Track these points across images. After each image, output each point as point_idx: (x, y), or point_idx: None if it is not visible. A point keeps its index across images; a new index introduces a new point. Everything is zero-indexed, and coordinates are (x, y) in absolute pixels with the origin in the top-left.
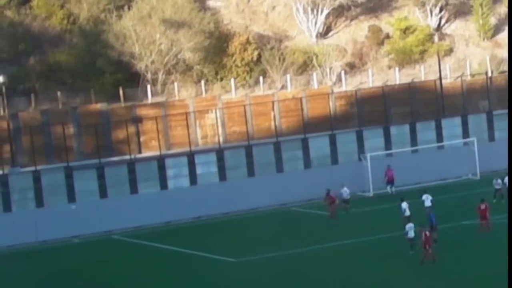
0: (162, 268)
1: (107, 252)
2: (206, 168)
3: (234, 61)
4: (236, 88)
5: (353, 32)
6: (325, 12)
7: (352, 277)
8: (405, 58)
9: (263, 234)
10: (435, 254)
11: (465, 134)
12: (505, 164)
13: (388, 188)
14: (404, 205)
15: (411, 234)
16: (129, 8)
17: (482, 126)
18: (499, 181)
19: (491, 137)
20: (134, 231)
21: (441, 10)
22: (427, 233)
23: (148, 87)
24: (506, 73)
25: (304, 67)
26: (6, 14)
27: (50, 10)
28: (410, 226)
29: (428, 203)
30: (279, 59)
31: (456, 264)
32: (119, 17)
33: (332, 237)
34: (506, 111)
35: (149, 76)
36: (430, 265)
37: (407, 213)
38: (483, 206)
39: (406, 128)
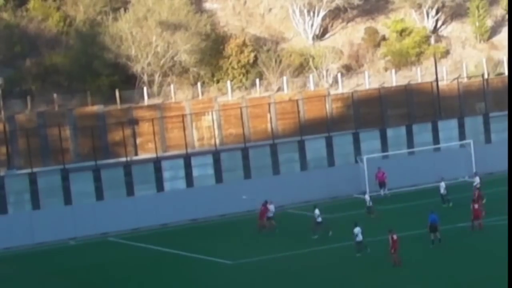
0: (159, 270)
1: (104, 254)
2: (203, 170)
3: (231, 63)
4: (233, 90)
5: (350, 34)
6: (322, 14)
7: (348, 279)
8: (401, 60)
9: (260, 236)
10: (400, 258)
11: (462, 136)
12: (501, 166)
13: (382, 191)
14: (317, 211)
15: (360, 237)
16: (125, 10)
17: (478, 128)
18: (443, 184)
19: (488, 139)
20: (131, 233)
21: (437, 12)
22: (394, 236)
23: (145, 89)
24: (503, 75)
25: (301, 69)
26: (2, 16)
27: (47, 12)
28: (358, 229)
29: (369, 203)
30: (276, 61)
31: (452, 266)
32: (115, 19)
33: (329, 239)
34: (503, 113)
35: (145, 78)
36: (427, 267)
37: (319, 219)
38: (476, 206)
39: (403, 130)
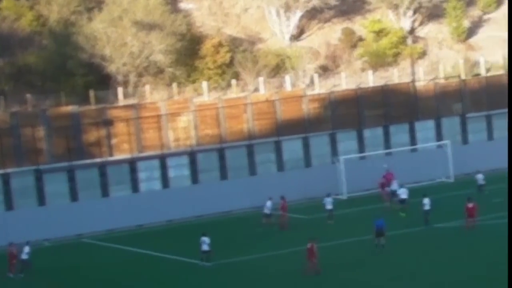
0: (134, 272)
1: (78, 255)
2: (179, 171)
3: (206, 63)
4: (209, 90)
5: (326, 35)
6: (298, 14)
7: (328, 280)
8: (378, 61)
9: (237, 237)
10: (319, 266)
11: (439, 137)
12: (478, 167)
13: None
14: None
15: (205, 247)
16: (99, 10)
17: (455, 129)
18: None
19: (465, 140)
20: (106, 234)
21: (414, 13)
22: (310, 246)
23: (119, 89)
24: (480, 76)
25: (277, 69)
26: None
27: (19, 11)
28: (203, 240)
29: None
30: (252, 61)
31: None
32: (90, 19)
33: (306, 240)
34: (480, 114)
35: (120, 78)
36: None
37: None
38: (470, 205)
39: (380, 130)
